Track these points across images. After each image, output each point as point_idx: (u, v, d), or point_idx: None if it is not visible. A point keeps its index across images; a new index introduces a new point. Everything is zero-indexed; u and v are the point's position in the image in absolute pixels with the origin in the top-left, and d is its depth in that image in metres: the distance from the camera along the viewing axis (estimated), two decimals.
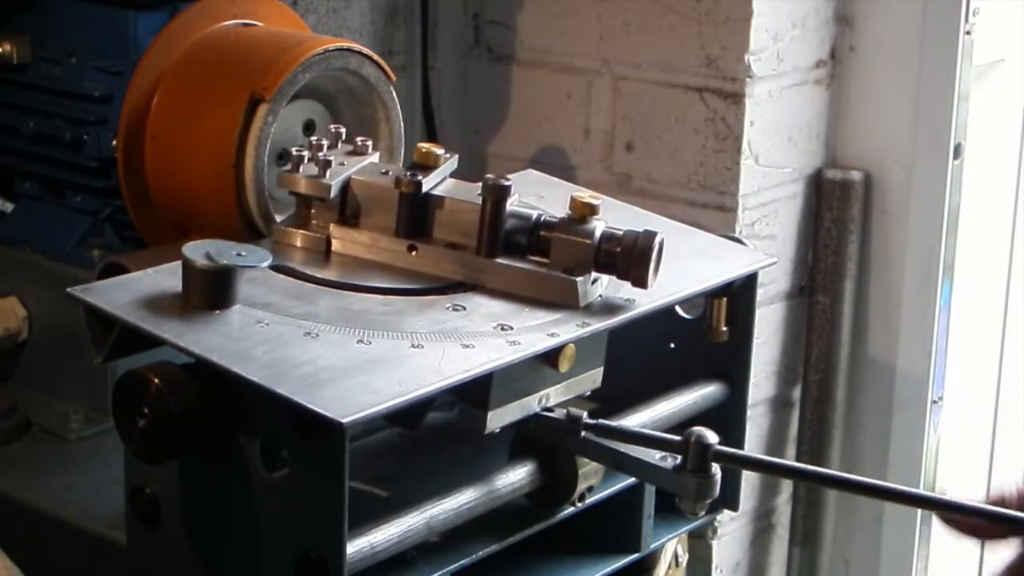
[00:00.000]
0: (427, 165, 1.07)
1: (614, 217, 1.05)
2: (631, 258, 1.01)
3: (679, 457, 1.00)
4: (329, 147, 1.09)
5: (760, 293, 1.18)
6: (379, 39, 1.90)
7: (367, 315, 0.98)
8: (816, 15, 1.90)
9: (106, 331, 0.97)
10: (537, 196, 1.14)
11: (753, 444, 1.96)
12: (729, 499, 1.18)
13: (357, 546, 0.91)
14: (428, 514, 0.96)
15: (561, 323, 1.00)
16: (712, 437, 1.00)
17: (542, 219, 1.04)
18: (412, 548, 0.97)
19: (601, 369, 1.06)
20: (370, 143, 1.11)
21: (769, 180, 1.89)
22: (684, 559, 1.27)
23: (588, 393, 1.07)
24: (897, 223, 1.97)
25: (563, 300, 1.02)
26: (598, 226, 1.02)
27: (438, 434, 1.14)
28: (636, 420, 1.09)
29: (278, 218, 1.16)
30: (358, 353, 0.93)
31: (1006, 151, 2.16)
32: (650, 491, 1.12)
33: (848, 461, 2.03)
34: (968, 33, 1.90)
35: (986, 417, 2.18)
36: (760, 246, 1.33)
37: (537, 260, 1.03)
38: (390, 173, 1.08)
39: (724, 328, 1.14)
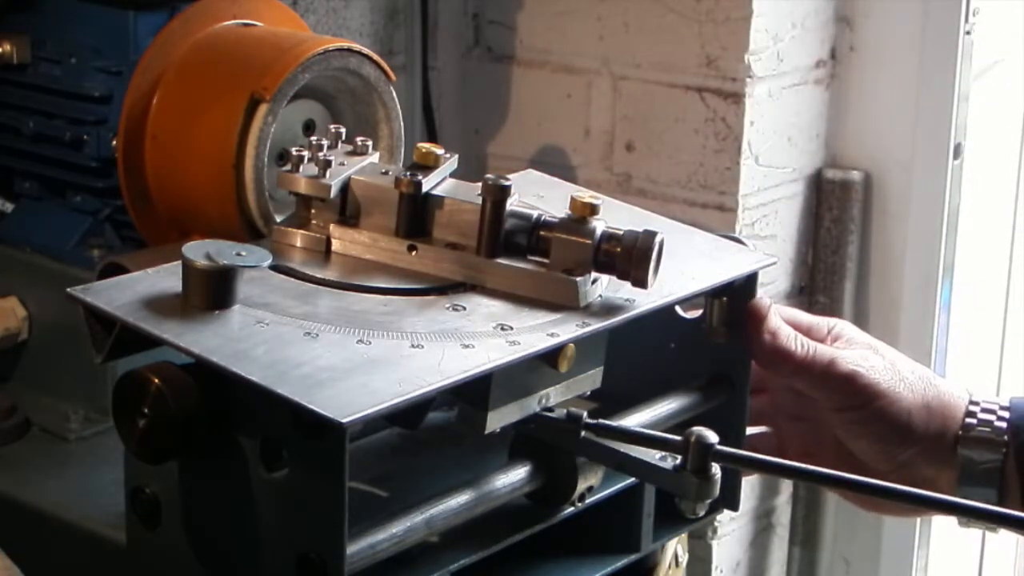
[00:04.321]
0: (427, 165, 1.07)
1: (614, 217, 1.05)
2: (631, 258, 1.01)
3: (679, 457, 1.00)
4: (329, 147, 1.09)
5: (760, 293, 1.18)
6: (379, 39, 1.90)
7: (367, 315, 0.98)
8: (816, 15, 1.90)
9: (106, 331, 0.97)
10: (537, 196, 1.14)
11: None
12: (729, 499, 1.18)
13: (357, 546, 0.91)
14: (428, 514, 0.96)
15: (561, 323, 1.00)
16: (712, 437, 1.00)
17: (542, 219, 1.04)
18: (416, 546, 0.97)
19: (601, 369, 1.06)
20: (370, 143, 1.11)
21: (769, 180, 1.89)
22: (684, 559, 1.27)
23: (588, 393, 1.07)
24: (897, 223, 1.97)
25: (563, 300, 1.02)
26: (598, 226, 1.02)
27: (438, 434, 1.14)
28: (636, 420, 1.09)
29: (278, 218, 1.16)
30: (358, 353, 0.93)
31: (1006, 151, 2.16)
32: (650, 491, 1.12)
33: None
34: (968, 33, 1.91)
35: None
36: (760, 246, 1.34)
37: (537, 260, 1.03)
38: (390, 173, 1.07)
39: (724, 328, 1.14)
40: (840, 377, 1.13)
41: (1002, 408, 1.15)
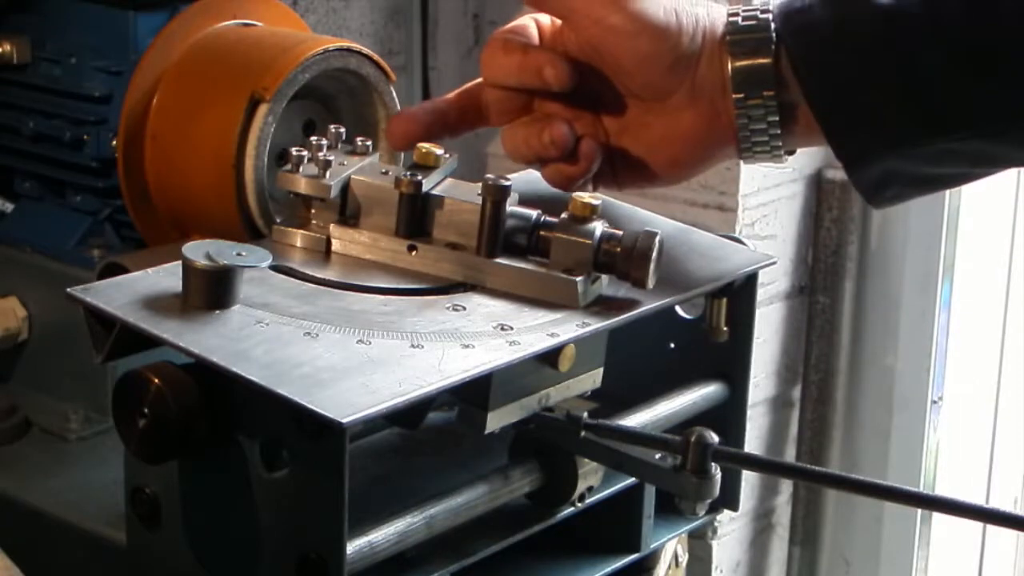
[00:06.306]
0: (427, 165, 1.07)
1: (614, 217, 1.05)
2: (631, 258, 1.01)
3: (679, 457, 1.00)
4: (329, 147, 1.09)
5: (760, 293, 1.18)
6: (379, 39, 1.90)
7: (367, 315, 0.98)
8: None
9: (106, 331, 0.97)
10: (537, 196, 1.14)
11: (753, 444, 1.96)
12: (729, 499, 1.18)
13: (357, 546, 0.91)
14: (428, 514, 0.96)
15: (561, 323, 1.00)
16: (712, 437, 1.00)
17: (542, 219, 1.04)
18: (412, 548, 0.97)
19: (601, 369, 1.06)
20: (370, 143, 1.11)
21: (769, 180, 1.89)
22: (684, 559, 1.28)
23: (588, 393, 1.07)
24: (897, 223, 1.97)
25: (563, 300, 1.02)
26: (598, 226, 1.02)
27: (438, 434, 1.14)
28: (636, 420, 1.09)
29: (278, 218, 1.16)
30: (358, 353, 0.93)
31: None
32: (650, 491, 1.12)
33: (848, 461, 2.03)
34: None
35: (986, 417, 2.18)
36: (760, 246, 1.33)
37: (537, 260, 1.04)
38: (390, 173, 1.08)
39: (724, 328, 1.14)
40: None
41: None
